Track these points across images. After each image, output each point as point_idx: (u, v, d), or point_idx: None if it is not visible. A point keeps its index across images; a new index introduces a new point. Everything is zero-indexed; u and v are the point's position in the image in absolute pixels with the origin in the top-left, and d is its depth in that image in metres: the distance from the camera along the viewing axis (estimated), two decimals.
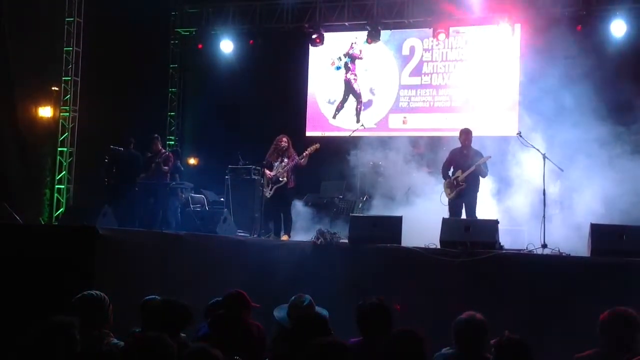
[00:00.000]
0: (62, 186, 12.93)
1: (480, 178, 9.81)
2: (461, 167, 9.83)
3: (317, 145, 10.37)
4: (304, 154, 10.15)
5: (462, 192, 9.69)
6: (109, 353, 3.22)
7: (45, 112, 13.24)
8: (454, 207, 9.70)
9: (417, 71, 13.84)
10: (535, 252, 7.89)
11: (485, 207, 9.99)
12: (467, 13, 12.87)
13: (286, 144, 10.19)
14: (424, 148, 12.29)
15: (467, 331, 3.96)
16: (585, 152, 10.11)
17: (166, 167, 11.43)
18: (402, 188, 11.19)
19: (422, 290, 7.18)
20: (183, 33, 15.53)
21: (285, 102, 14.19)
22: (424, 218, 9.30)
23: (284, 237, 9.73)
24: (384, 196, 11.25)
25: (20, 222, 8.97)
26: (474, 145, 10.05)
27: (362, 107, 14.15)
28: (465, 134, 10.03)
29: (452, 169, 10.00)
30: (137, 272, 6.66)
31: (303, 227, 10.42)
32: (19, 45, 12.29)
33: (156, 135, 12.02)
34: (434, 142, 12.24)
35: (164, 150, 11.82)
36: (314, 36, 13.93)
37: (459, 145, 10.01)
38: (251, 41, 14.69)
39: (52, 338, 3.38)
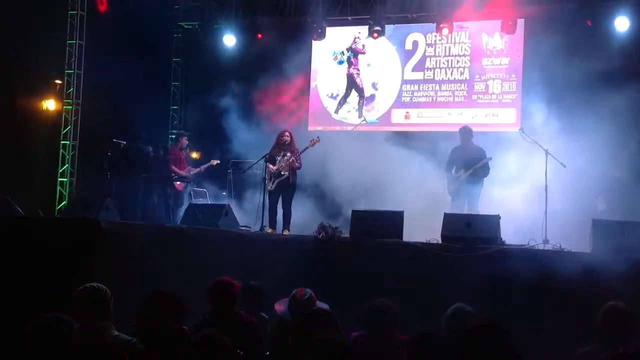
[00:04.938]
0: (65, 179, 12.95)
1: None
2: (463, 165, 9.86)
3: (317, 139, 10.42)
4: (306, 146, 10.23)
5: (464, 190, 9.75)
6: (109, 345, 3.24)
7: (49, 105, 13.25)
8: (456, 204, 9.74)
9: (420, 66, 13.80)
10: (536, 248, 7.89)
11: (487, 202, 9.99)
12: (470, 7, 12.83)
13: (288, 139, 10.20)
14: (426, 143, 12.28)
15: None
16: (588, 147, 10.09)
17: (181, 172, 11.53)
18: (404, 182, 11.19)
19: (423, 285, 7.18)
20: (186, 27, 15.52)
21: (287, 97, 14.17)
22: (425, 213, 9.30)
23: (285, 232, 9.75)
24: (385, 190, 11.24)
25: (22, 214, 8.97)
26: (478, 140, 10.04)
27: (365, 102, 14.13)
28: (464, 132, 10.05)
29: (454, 168, 10.03)
30: (139, 265, 6.65)
31: (305, 222, 10.42)
32: (22, 38, 12.28)
33: (187, 133, 12.17)
34: (437, 137, 12.23)
35: (182, 152, 11.93)
36: (313, 32, 13.89)
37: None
38: (259, 35, 14.66)
39: (44, 337, 3.40)
